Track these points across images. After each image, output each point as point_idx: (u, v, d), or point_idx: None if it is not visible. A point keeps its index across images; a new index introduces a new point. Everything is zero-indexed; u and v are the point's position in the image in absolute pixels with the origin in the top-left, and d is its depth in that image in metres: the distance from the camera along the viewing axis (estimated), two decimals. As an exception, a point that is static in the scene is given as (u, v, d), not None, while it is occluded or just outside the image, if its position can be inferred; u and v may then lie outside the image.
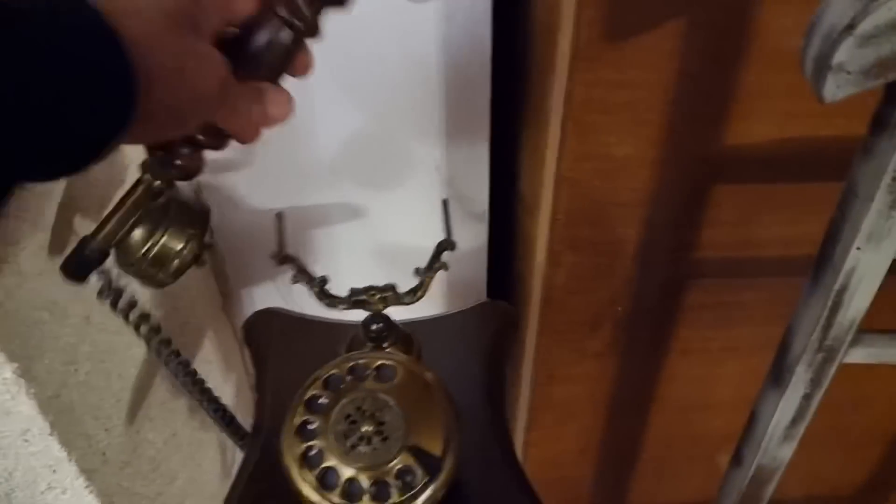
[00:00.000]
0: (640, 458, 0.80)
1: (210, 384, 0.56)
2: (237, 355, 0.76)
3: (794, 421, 0.54)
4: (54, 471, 0.45)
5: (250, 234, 0.65)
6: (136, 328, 0.46)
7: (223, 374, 0.71)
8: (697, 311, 0.64)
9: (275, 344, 0.51)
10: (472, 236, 0.68)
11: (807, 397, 0.52)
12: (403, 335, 0.49)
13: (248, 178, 0.62)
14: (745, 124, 0.52)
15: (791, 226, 0.58)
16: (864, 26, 0.31)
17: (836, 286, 0.44)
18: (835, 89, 0.33)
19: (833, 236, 0.43)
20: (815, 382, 0.51)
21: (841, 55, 0.32)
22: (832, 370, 0.50)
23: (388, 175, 0.62)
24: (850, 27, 0.32)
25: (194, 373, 0.53)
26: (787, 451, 0.56)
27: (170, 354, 0.49)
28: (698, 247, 0.59)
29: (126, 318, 0.45)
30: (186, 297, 0.62)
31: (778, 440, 0.55)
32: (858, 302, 0.45)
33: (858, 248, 0.42)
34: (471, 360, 0.49)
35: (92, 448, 0.47)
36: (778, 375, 0.51)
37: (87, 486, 0.47)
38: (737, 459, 0.59)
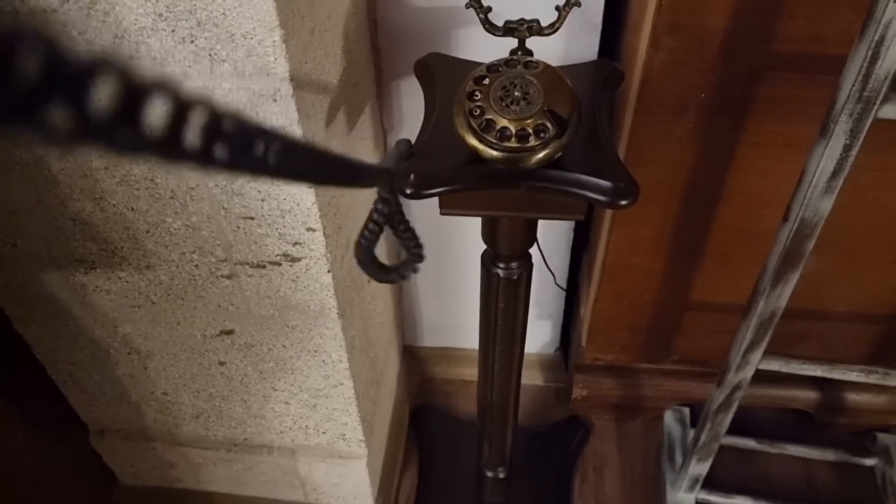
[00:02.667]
0: (705, 251, 0.96)
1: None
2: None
3: (835, 172, 0.68)
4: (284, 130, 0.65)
5: None
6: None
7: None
8: (768, 102, 0.78)
9: (440, 77, 0.69)
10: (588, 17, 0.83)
11: (846, 148, 0.66)
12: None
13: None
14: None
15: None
16: None
17: (876, 36, 0.58)
18: None
19: (877, -8, 0.57)
20: (853, 134, 0.65)
21: None
22: (868, 121, 0.64)
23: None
24: None
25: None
26: (827, 204, 0.71)
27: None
28: (776, 39, 0.73)
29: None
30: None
31: (820, 191, 0.70)
32: (894, 53, 0.59)
33: (894, 1, 0.56)
34: (590, 92, 0.65)
35: (308, 126, 0.66)
36: (824, 127, 0.66)
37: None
38: (785, 215, 0.74)
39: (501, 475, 1.08)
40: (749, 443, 1.23)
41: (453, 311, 1.27)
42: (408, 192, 0.59)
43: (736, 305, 1.03)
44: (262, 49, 0.58)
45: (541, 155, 0.57)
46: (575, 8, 0.61)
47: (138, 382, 0.97)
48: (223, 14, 0.56)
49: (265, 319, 0.84)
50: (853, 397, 1.22)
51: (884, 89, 0.61)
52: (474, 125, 0.57)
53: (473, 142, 0.57)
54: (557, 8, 0.61)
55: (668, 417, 1.25)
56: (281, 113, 0.63)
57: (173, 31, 0.58)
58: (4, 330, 0.95)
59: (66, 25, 0.58)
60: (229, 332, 0.87)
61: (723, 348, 1.07)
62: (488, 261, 0.76)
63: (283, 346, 0.87)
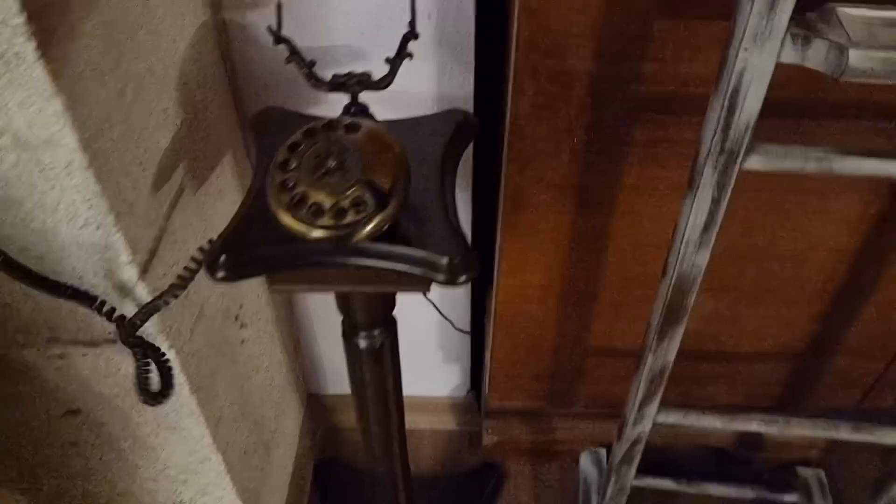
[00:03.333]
0: (598, 298, 0.90)
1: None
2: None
3: (707, 226, 0.63)
4: (90, 206, 0.57)
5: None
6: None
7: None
8: (645, 146, 0.73)
9: (274, 132, 0.62)
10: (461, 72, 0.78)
11: (715, 201, 0.61)
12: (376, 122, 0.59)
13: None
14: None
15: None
16: None
17: (730, 88, 0.53)
18: None
19: (727, 40, 0.52)
20: (720, 187, 0.60)
21: None
22: (734, 174, 0.59)
23: None
24: None
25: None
26: (703, 258, 0.66)
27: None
28: (644, 80, 0.68)
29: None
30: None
31: (694, 246, 0.65)
32: (750, 103, 0.54)
33: (745, 49, 0.51)
34: (434, 147, 0.59)
35: (121, 195, 0.59)
36: (691, 179, 0.61)
37: (115, 225, 0.58)
38: (664, 270, 0.69)
39: (403, 537, 1.01)
40: (667, 483, 1.19)
41: (356, 358, 1.20)
42: (218, 276, 0.52)
43: (636, 351, 0.98)
44: (42, 118, 0.51)
45: (364, 231, 0.50)
46: (450, 45, 0.55)
47: (-12, 465, 0.88)
48: (-12, 81, 0.49)
49: (111, 398, 0.76)
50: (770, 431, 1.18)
51: (746, 140, 0.56)
52: (285, 200, 0.50)
53: (287, 219, 0.51)
54: (388, 60, 0.55)
55: (584, 460, 1.20)
56: (81, 186, 0.55)
57: (-65, 100, 0.50)
58: None
59: None
60: (75, 412, 0.78)
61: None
62: (347, 330, 0.69)
63: (138, 423, 0.79)
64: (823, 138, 0.73)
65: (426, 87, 0.79)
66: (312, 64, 0.55)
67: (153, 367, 0.63)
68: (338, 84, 0.56)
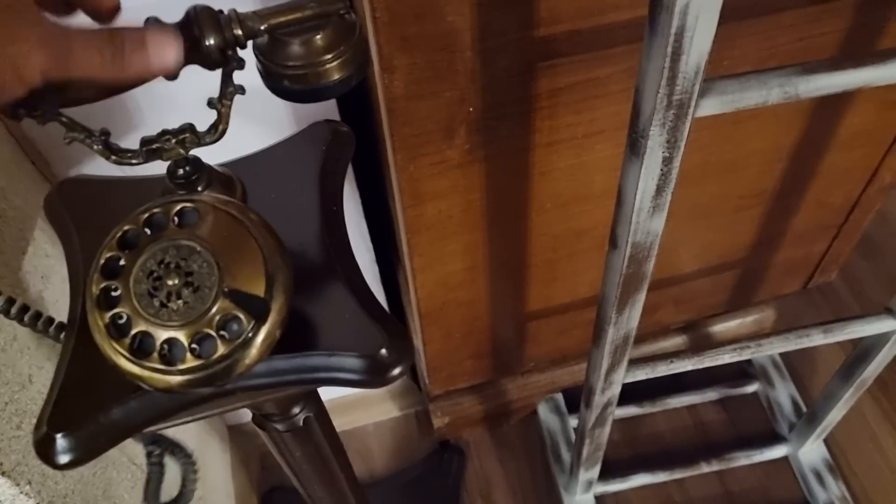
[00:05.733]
0: (529, 264, 0.79)
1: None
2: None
3: (659, 189, 0.52)
4: None
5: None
6: None
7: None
8: (552, 96, 0.60)
9: (81, 215, 0.45)
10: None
11: (666, 161, 0.49)
12: (220, 176, 0.43)
13: None
14: None
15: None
16: None
17: (674, 28, 0.40)
18: None
19: (662, -28, 0.39)
20: (671, 144, 0.48)
21: None
22: (686, 127, 0.47)
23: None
24: None
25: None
26: (657, 224, 0.55)
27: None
28: (539, 24, 0.54)
29: None
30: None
31: (647, 213, 0.53)
32: (699, 43, 0.41)
33: (688, -21, 0.38)
34: (304, 185, 0.44)
35: None
36: (634, 142, 0.48)
37: None
38: (612, 241, 0.58)
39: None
40: (631, 410, 1.13)
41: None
42: (61, 462, 0.37)
43: (579, 301, 0.88)
44: None
45: (246, 360, 0.35)
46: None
47: None
48: None
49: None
50: (718, 330, 1.13)
51: (697, 86, 0.44)
52: (121, 346, 0.34)
53: (132, 369, 0.35)
54: (212, 104, 0.38)
55: (542, 410, 1.12)
56: None
57: None
58: None
59: None
60: None
61: (579, 342, 0.93)
62: (259, 420, 0.55)
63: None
64: (749, 46, 0.62)
65: (274, 105, 0.62)
66: (105, 134, 0.38)
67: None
68: (152, 151, 0.39)
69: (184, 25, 0.35)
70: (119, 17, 0.36)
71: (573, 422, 1.10)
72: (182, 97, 0.47)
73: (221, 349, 0.34)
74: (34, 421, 0.38)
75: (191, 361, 0.34)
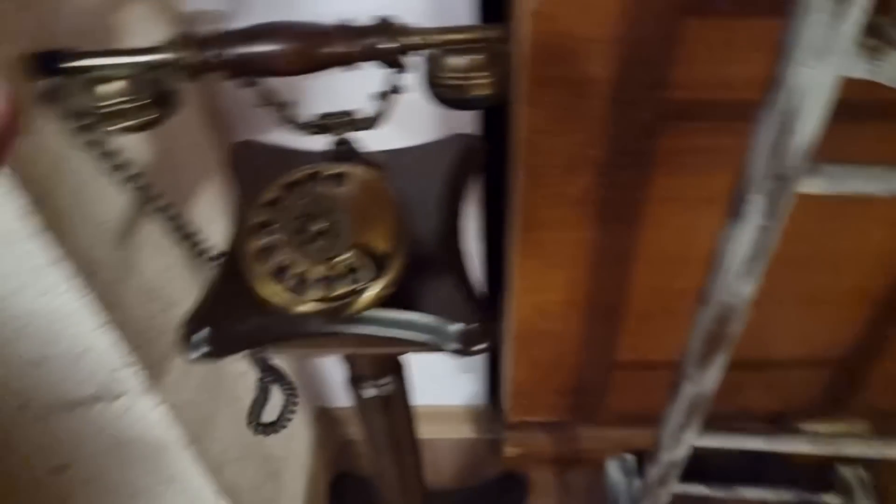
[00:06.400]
0: (625, 311, 0.83)
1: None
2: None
3: (754, 255, 0.55)
4: (48, 272, 0.50)
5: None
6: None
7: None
8: (674, 155, 0.65)
9: (247, 170, 0.54)
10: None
11: (764, 230, 0.53)
12: (369, 158, 0.51)
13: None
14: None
15: (771, 67, 0.58)
16: None
17: (786, 107, 0.45)
18: None
19: (782, 55, 0.44)
20: (770, 213, 0.52)
21: None
22: (787, 199, 0.51)
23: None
24: None
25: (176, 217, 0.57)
26: (747, 288, 0.58)
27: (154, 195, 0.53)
28: (674, 86, 0.60)
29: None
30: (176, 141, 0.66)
31: (738, 275, 0.57)
32: (808, 124, 0.46)
33: (803, 64, 0.43)
34: (433, 183, 0.51)
35: (86, 257, 0.51)
36: (736, 206, 0.53)
37: (85, 288, 0.51)
38: (703, 298, 0.62)
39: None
40: (700, 489, 1.12)
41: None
42: (191, 357, 0.45)
43: (668, 362, 0.90)
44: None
45: (360, 302, 0.43)
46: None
47: (-20, 519, 0.82)
48: None
49: (101, 455, 0.70)
50: (809, 428, 1.11)
51: (801, 164, 0.48)
52: (265, 270, 0.43)
53: (268, 291, 0.43)
54: (376, 97, 0.47)
55: (612, 468, 1.14)
56: (37, 252, 0.48)
57: None
58: None
59: None
60: (64, 468, 0.72)
61: (661, 404, 0.95)
62: (353, 380, 0.62)
63: (134, 478, 0.73)
64: (857, 145, 0.64)
65: (423, 110, 0.71)
66: (285, 106, 0.47)
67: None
68: (321, 126, 0.48)
69: (375, 28, 0.43)
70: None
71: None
72: (346, 90, 0.56)
73: (342, 289, 0.42)
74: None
75: (317, 293, 0.42)
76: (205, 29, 0.44)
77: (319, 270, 0.42)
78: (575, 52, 0.57)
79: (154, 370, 0.61)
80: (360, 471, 1.21)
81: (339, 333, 0.45)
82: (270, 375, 0.60)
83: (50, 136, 0.47)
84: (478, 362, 1.12)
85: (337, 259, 0.42)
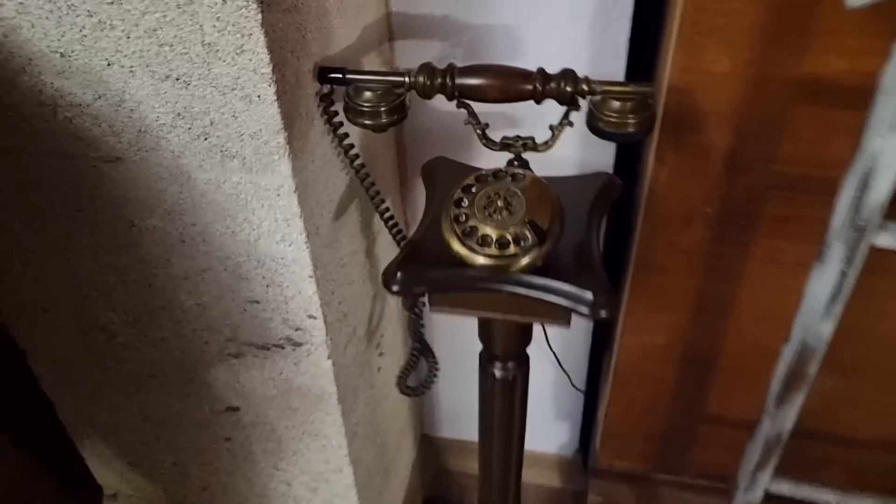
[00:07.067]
0: (717, 364, 0.94)
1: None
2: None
3: (833, 297, 0.67)
4: (289, 225, 0.68)
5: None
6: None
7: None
8: (777, 221, 0.78)
9: (442, 180, 0.72)
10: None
11: (842, 275, 0.65)
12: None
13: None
14: (822, 57, 0.66)
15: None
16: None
17: (864, 168, 0.58)
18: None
19: (864, 127, 0.58)
20: (849, 261, 0.64)
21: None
22: (864, 248, 0.63)
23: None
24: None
25: (381, 200, 0.75)
26: (826, 328, 0.70)
27: (369, 183, 0.72)
28: (780, 160, 0.74)
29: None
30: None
31: (819, 315, 0.69)
32: (882, 184, 0.59)
33: (881, 136, 0.56)
34: (581, 202, 0.67)
35: (313, 219, 0.70)
36: (821, 251, 0.65)
37: (305, 243, 0.69)
38: (788, 336, 0.73)
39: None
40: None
41: (472, 403, 1.27)
42: (394, 289, 0.62)
43: (753, 421, 0.99)
44: (267, 148, 0.63)
45: (522, 263, 0.58)
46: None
47: (150, 450, 1.00)
48: (234, 116, 0.61)
49: (269, 399, 0.86)
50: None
51: (877, 219, 0.61)
52: (458, 231, 0.59)
53: (457, 246, 0.59)
54: (551, 127, 0.64)
55: (688, 534, 1.20)
56: (285, 207, 0.67)
57: (189, 128, 0.63)
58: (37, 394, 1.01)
59: (97, 118, 0.64)
60: (235, 409, 0.89)
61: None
62: (485, 360, 0.77)
63: (286, 426, 0.89)
64: None
65: (574, 150, 0.88)
66: (486, 126, 0.65)
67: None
68: (506, 144, 0.65)
69: (561, 75, 0.60)
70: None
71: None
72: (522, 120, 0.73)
73: (511, 249, 0.58)
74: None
75: (492, 251, 0.58)
76: (438, 63, 0.63)
77: (497, 234, 0.58)
78: (701, 121, 0.72)
79: (330, 328, 0.78)
80: (453, 498, 1.32)
81: (499, 290, 0.61)
82: (420, 347, 0.76)
83: (312, 128, 0.67)
84: (574, 410, 1.23)
85: (510, 228, 0.58)
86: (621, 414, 1.03)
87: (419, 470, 1.30)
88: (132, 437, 0.99)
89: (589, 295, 0.58)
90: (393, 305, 1.00)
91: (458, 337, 1.15)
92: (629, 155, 0.90)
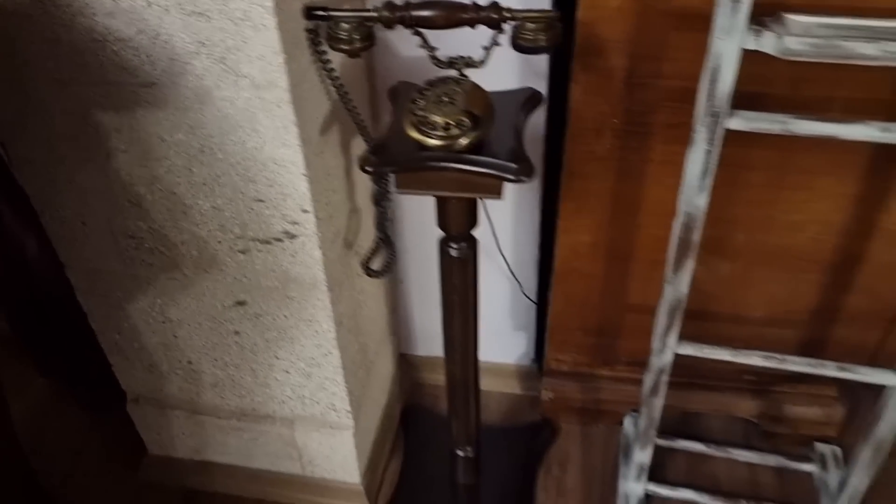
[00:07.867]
0: (635, 257, 1.15)
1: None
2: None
3: (703, 173, 0.89)
4: (288, 131, 0.88)
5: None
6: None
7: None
8: (669, 128, 1.00)
9: (403, 98, 0.92)
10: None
11: (707, 153, 0.87)
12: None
13: None
14: (689, -10, 0.88)
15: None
16: None
17: (713, 65, 0.80)
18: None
19: (709, 33, 0.79)
20: (710, 141, 0.86)
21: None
22: (721, 131, 0.84)
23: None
24: None
25: (358, 113, 0.96)
26: (701, 200, 0.91)
27: (348, 98, 0.93)
28: (666, 76, 0.95)
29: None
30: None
31: (695, 190, 0.90)
32: (726, 77, 0.80)
33: (719, 38, 0.78)
34: (510, 106, 0.88)
35: (307, 128, 0.90)
36: (691, 137, 0.87)
37: (300, 146, 0.89)
38: (676, 212, 0.95)
39: (471, 454, 1.25)
40: (698, 446, 1.38)
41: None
42: (367, 168, 0.82)
43: (668, 308, 1.21)
44: (270, 67, 0.83)
45: (462, 142, 0.79)
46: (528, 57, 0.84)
47: (169, 350, 1.19)
48: (244, 41, 0.81)
49: (270, 291, 1.06)
50: (792, 409, 1.37)
51: (726, 105, 0.82)
52: (414, 120, 0.80)
53: (414, 133, 0.80)
54: (484, 48, 0.85)
55: (627, 422, 1.42)
56: (284, 116, 0.87)
57: (210, 54, 0.83)
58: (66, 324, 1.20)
59: (138, 50, 0.84)
60: (242, 303, 1.09)
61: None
62: (444, 244, 0.97)
63: (285, 315, 1.09)
64: None
65: (512, 69, 1.09)
66: (435, 49, 0.85)
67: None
68: (451, 63, 0.85)
69: (490, 6, 0.81)
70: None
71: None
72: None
73: (454, 132, 0.79)
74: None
75: (440, 133, 0.79)
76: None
77: (443, 121, 0.79)
78: (603, 47, 0.94)
79: (320, 223, 0.98)
80: (427, 406, 1.52)
81: (447, 167, 0.81)
82: (383, 237, 0.96)
83: (303, 53, 0.87)
84: (528, 322, 1.44)
85: (454, 115, 0.79)
86: (562, 310, 1.25)
87: (398, 383, 1.50)
88: (154, 339, 1.18)
89: (513, 165, 0.79)
90: (367, 222, 1.20)
91: (431, 267, 1.36)
92: (560, 84, 1.12)
